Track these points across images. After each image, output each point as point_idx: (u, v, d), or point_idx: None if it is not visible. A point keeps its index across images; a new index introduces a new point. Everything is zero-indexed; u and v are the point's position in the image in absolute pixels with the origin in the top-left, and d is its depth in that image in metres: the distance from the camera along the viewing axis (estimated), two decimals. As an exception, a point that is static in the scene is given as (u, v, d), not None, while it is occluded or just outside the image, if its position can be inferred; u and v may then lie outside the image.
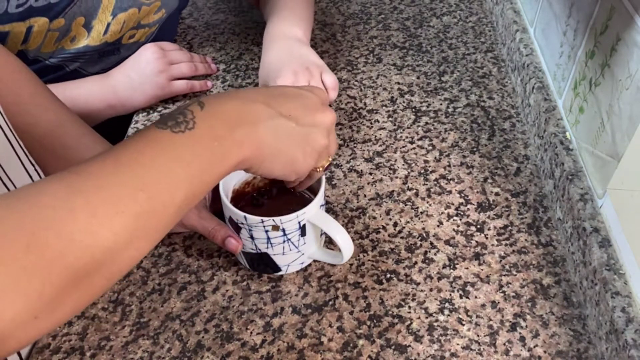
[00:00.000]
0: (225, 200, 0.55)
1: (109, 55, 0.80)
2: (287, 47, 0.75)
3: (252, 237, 0.55)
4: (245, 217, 0.53)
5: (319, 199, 0.56)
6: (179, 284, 0.59)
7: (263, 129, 0.44)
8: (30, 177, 0.54)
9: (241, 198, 0.61)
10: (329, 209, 0.67)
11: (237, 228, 0.55)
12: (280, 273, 0.59)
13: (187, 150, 0.39)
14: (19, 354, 0.52)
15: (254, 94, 0.47)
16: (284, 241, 0.55)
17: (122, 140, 0.39)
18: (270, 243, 0.55)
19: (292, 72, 0.70)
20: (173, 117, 0.40)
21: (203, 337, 0.55)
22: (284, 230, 0.54)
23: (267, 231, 0.54)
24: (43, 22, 0.69)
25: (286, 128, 0.47)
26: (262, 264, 0.58)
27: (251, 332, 0.55)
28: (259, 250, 0.56)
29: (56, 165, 0.59)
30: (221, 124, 0.42)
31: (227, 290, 0.59)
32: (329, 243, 0.62)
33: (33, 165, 0.55)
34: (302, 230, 0.55)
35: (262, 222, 0.53)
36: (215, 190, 0.60)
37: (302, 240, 0.56)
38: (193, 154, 0.39)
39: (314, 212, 0.55)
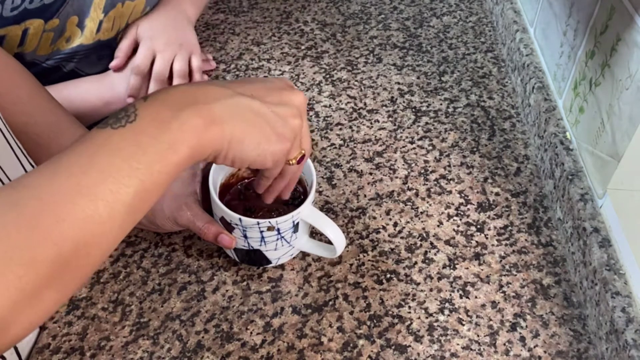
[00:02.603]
0: (217, 201, 0.55)
1: (107, 57, 0.80)
2: (176, 19, 0.80)
3: (245, 236, 0.55)
4: (240, 219, 0.53)
5: (312, 196, 0.56)
6: (179, 284, 0.59)
7: (219, 107, 0.40)
8: None
9: (227, 191, 0.60)
10: (329, 209, 0.67)
11: (229, 228, 0.55)
12: (271, 265, 0.60)
13: (128, 143, 0.36)
14: (18, 354, 0.52)
15: (210, 82, 0.43)
16: (278, 239, 0.55)
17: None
18: (264, 241, 0.55)
19: (164, 43, 0.77)
20: (115, 114, 0.38)
21: (203, 337, 0.55)
22: (278, 230, 0.54)
23: (262, 231, 0.54)
24: (38, 24, 0.69)
25: (249, 105, 0.42)
26: (253, 258, 0.58)
27: (251, 332, 0.55)
28: (252, 247, 0.56)
29: None
30: (166, 108, 0.38)
31: (227, 290, 0.59)
32: (320, 233, 0.62)
33: (33, 166, 0.55)
34: (295, 227, 0.56)
35: (258, 224, 0.53)
36: (204, 187, 0.60)
37: (294, 236, 0.57)
38: (136, 145, 0.36)
39: (308, 211, 0.55)
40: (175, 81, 0.77)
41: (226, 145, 0.41)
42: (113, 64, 0.77)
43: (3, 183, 0.49)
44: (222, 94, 0.41)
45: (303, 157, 0.50)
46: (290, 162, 0.49)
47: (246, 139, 0.42)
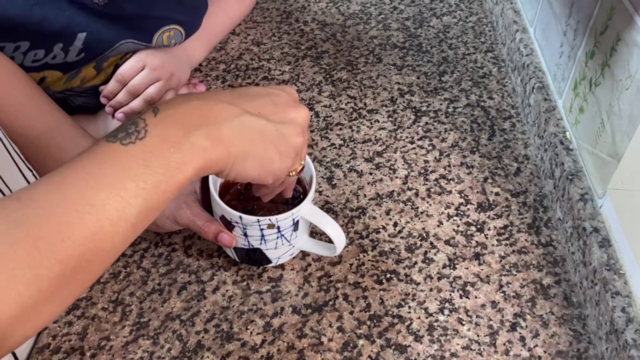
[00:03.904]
0: (218, 199, 0.55)
1: None
2: (178, 56, 0.79)
3: (245, 235, 0.55)
4: (240, 216, 0.53)
5: (312, 194, 0.56)
6: (179, 284, 0.59)
7: (227, 128, 0.41)
8: (28, 182, 0.54)
9: (226, 192, 0.60)
10: (329, 209, 0.67)
11: (229, 226, 0.55)
12: (271, 265, 0.60)
13: (137, 163, 0.36)
14: (15, 356, 0.52)
15: (217, 94, 0.44)
16: (278, 237, 0.55)
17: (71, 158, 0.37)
18: (264, 240, 0.55)
19: (158, 63, 0.74)
20: (124, 127, 0.38)
21: (203, 337, 0.55)
22: (279, 227, 0.54)
23: (262, 229, 0.54)
24: (57, 74, 0.70)
25: (255, 125, 0.43)
26: (254, 257, 0.58)
27: (251, 332, 0.55)
28: (252, 246, 0.56)
29: (52, 167, 0.59)
30: (177, 127, 0.38)
31: (227, 290, 0.59)
32: (321, 234, 0.62)
33: (30, 170, 0.55)
34: (295, 225, 0.56)
35: (258, 221, 0.53)
36: (204, 185, 0.60)
37: (294, 235, 0.57)
38: (145, 165, 0.36)
39: (307, 209, 0.55)
40: (137, 101, 0.74)
41: (230, 165, 0.42)
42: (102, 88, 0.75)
43: (1, 190, 0.49)
44: (231, 113, 0.42)
45: (302, 168, 0.52)
46: (291, 174, 0.50)
47: (249, 160, 0.43)
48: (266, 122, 0.44)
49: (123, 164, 0.36)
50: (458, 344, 0.54)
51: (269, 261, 0.59)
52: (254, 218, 0.53)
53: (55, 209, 0.33)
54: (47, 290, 0.32)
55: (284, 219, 0.54)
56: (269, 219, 0.53)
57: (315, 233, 0.63)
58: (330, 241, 0.55)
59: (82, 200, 0.34)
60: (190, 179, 0.39)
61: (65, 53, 0.67)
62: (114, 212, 0.35)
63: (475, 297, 0.58)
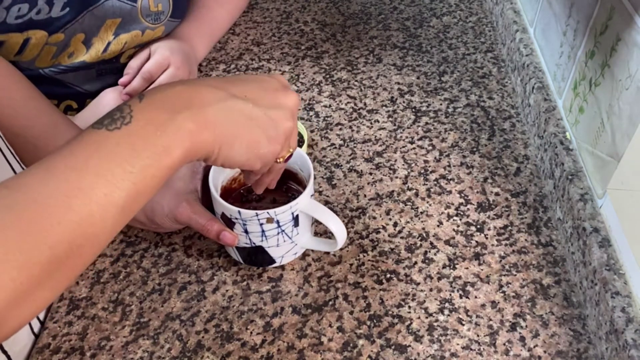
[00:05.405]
0: (217, 196, 0.55)
1: (107, 74, 0.79)
2: (189, 53, 0.81)
3: (246, 232, 0.55)
4: (239, 212, 0.53)
5: (310, 189, 0.56)
6: (179, 284, 0.59)
7: (213, 111, 0.41)
8: None
9: (228, 195, 0.61)
10: (329, 208, 0.67)
11: (230, 223, 0.56)
12: (274, 265, 0.60)
13: (123, 147, 0.36)
14: (7, 354, 0.52)
15: (205, 79, 0.43)
16: (278, 233, 0.55)
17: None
18: (265, 236, 0.55)
19: (180, 60, 0.77)
20: (110, 114, 0.38)
21: (203, 337, 0.55)
22: (278, 222, 0.54)
23: (261, 224, 0.54)
24: (41, 36, 0.68)
25: (242, 109, 0.43)
26: (257, 257, 0.58)
27: (251, 332, 0.55)
28: (254, 243, 0.56)
29: None
30: (162, 111, 0.39)
31: (227, 290, 0.59)
32: (322, 233, 0.62)
33: None
34: (296, 220, 0.56)
35: (257, 215, 0.53)
36: (205, 185, 0.60)
37: (296, 231, 0.57)
38: (131, 149, 0.36)
39: (306, 202, 0.55)
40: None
41: (217, 149, 0.42)
42: (122, 80, 0.75)
43: None
44: (217, 97, 0.42)
45: (290, 155, 0.51)
46: (278, 161, 0.49)
47: (236, 144, 0.42)
48: (253, 107, 0.43)
49: (109, 149, 0.36)
50: (458, 344, 0.54)
51: (272, 261, 0.59)
52: (252, 212, 0.53)
53: (43, 194, 0.33)
54: (39, 275, 0.32)
55: (282, 212, 0.54)
56: (267, 212, 0.53)
57: (317, 233, 0.63)
58: (331, 237, 0.55)
59: (70, 185, 0.34)
60: (178, 163, 0.39)
61: (50, 7, 0.66)
62: (102, 196, 0.35)
63: (475, 297, 0.58)
